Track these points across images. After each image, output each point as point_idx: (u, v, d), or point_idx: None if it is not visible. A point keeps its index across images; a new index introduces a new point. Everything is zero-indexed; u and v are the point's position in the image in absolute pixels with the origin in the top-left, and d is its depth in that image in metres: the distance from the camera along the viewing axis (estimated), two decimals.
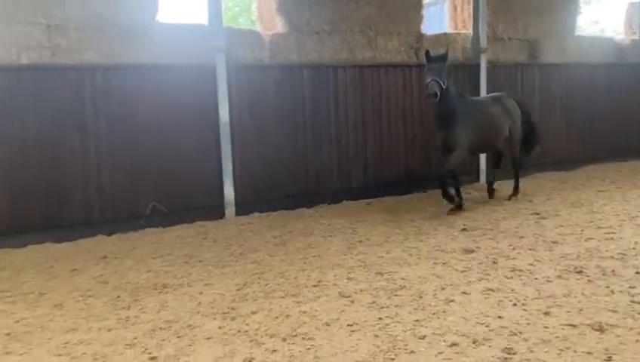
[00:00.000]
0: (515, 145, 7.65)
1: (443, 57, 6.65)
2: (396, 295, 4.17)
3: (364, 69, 8.17)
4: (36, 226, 6.15)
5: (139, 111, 6.70)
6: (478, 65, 8.99)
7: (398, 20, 8.64)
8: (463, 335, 3.42)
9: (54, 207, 6.28)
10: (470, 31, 9.29)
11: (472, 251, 5.23)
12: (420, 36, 8.86)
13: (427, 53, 6.67)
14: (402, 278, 4.53)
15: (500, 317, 3.67)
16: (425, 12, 9.11)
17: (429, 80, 6.49)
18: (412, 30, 8.77)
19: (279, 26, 7.93)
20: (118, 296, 4.41)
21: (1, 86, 6.05)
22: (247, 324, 3.72)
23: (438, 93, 6.41)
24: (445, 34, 9.39)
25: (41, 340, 3.63)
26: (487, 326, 3.54)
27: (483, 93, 8.93)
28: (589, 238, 5.48)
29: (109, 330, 3.74)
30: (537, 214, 6.63)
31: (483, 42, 9.02)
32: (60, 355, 3.39)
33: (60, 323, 3.90)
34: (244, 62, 7.38)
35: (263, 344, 3.42)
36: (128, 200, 6.68)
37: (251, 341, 3.47)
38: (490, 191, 7.68)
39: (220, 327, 3.69)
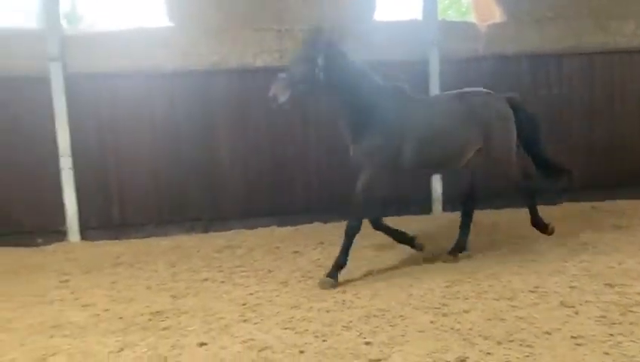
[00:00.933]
0: (500, 165, 5.19)
1: (311, 42, 4.65)
2: (631, 311, 3.69)
3: (594, 57, 7.36)
4: (264, 211, 6.91)
5: None
6: None
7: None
8: None
9: (280, 195, 6.98)
10: None
11: None
12: None
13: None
14: (639, 293, 3.99)
15: None
16: None
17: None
18: None
19: (496, 15, 7.57)
20: None
21: (241, 86, 6.89)
22: (459, 322, 3.67)
23: (283, 99, 4.49)
24: None
25: (270, 313, 4.06)
26: None
27: None
28: None
29: (328, 311, 4.02)
30: None
31: None
32: (286, 329, 3.75)
33: (286, 300, 4.32)
34: (457, 55, 7.22)
35: (477, 344, 3.33)
36: (342, 192, 7.07)
37: (464, 340, 3.40)
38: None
39: (431, 322, 3.70)
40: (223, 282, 4.88)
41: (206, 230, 6.79)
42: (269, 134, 6.96)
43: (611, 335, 3.35)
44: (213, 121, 6.88)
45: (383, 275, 4.79)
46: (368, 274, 4.85)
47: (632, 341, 3.26)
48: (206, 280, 4.96)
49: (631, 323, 3.50)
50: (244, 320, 3.95)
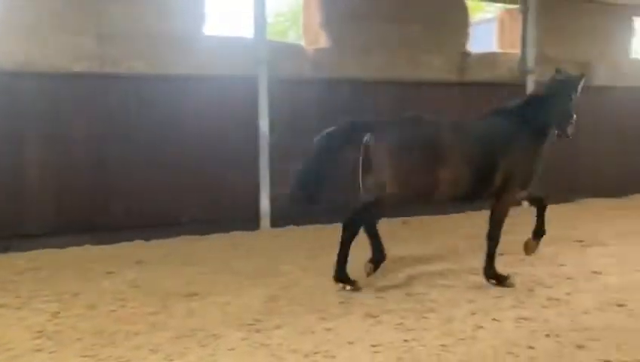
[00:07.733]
0: None
1: None
2: (424, 317, 4.07)
3: (407, 86, 8.09)
4: (77, 228, 6.37)
5: (183, 121, 6.87)
6: (524, 86, 8.74)
7: (444, 38, 8.57)
8: None
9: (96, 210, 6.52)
10: (518, 51, 9.10)
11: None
12: (466, 55, 8.75)
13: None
14: (432, 300, 4.43)
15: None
16: (472, 31, 9.02)
17: None
18: (457, 49, 8.68)
19: (322, 41, 7.98)
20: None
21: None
22: (269, 338, 3.69)
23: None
24: (492, 53, 9.25)
25: (69, 340, 3.69)
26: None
27: None
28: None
29: (136, 334, 3.78)
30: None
31: (530, 63, 8.82)
32: (85, 356, 3.44)
33: (91, 325, 3.97)
34: (286, 76, 7.43)
35: (284, 359, 3.38)
36: (167, 207, 6.82)
37: (272, 355, 3.43)
38: None
39: (243, 339, 3.67)
40: (19, 308, 4.36)
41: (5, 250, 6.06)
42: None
43: (405, 341, 3.65)
44: None
45: (200, 293, 4.67)
46: (189, 294, 4.68)
47: (422, 345, 3.57)
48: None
49: (424, 329, 3.85)
50: (38, 350, 3.55)
